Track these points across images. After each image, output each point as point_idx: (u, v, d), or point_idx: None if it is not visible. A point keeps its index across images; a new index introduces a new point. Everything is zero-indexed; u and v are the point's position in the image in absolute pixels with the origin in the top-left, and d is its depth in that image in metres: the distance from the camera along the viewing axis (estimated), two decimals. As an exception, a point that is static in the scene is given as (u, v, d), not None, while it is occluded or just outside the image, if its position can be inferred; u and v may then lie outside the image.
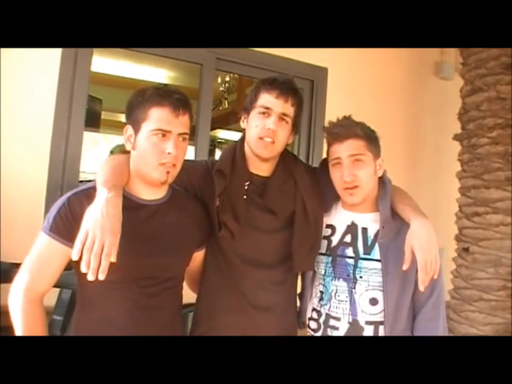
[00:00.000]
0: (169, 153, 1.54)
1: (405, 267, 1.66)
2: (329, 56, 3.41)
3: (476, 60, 3.22)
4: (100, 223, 1.38)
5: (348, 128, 1.81)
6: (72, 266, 1.57)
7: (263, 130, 1.75)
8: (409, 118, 3.91)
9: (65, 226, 1.51)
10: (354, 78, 3.66)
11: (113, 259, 1.36)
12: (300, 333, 1.95)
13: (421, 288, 1.65)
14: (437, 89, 4.02)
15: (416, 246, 1.65)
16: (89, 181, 1.66)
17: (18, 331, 1.51)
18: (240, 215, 1.76)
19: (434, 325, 1.78)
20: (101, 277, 1.34)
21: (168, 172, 1.57)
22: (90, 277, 1.33)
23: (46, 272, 1.55)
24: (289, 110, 1.78)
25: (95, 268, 1.34)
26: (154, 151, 1.54)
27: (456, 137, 3.36)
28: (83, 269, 1.34)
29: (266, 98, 1.77)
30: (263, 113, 1.76)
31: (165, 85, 1.54)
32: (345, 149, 1.79)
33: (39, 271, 1.54)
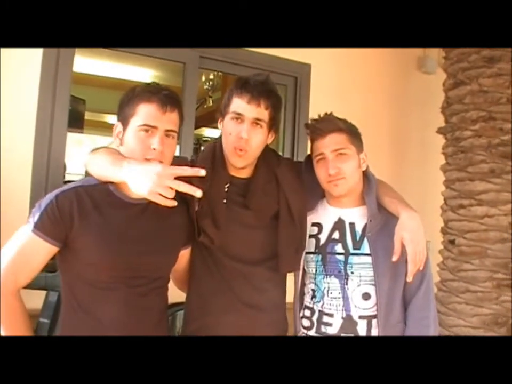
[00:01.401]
0: (154, 149, 1.54)
1: (394, 258, 1.67)
2: (312, 53, 3.40)
3: (458, 53, 3.24)
4: (150, 178, 1.42)
5: (330, 123, 1.83)
6: (57, 268, 1.56)
7: (237, 139, 1.72)
8: (393, 112, 3.92)
9: (52, 224, 1.50)
10: (338, 73, 3.66)
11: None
12: (291, 329, 1.96)
13: (409, 278, 1.67)
14: (420, 84, 4.03)
15: (407, 238, 1.66)
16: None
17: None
18: (219, 222, 1.73)
19: (425, 313, 1.79)
20: (199, 194, 1.44)
21: None
22: (199, 193, 1.43)
23: (27, 267, 1.53)
24: (263, 114, 1.73)
25: (191, 189, 1.43)
26: (139, 147, 1.54)
27: (440, 131, 3.38)
28: (198, 193, 1.43)
29: (238, 104, 1.72)
30: (236, 119, 1.73)
31: (157, 83, 1.54)
32: (328, 144, 1.80)
33: (19, 265, 1.52)
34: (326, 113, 1.88)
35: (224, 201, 1.77)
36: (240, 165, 1.76)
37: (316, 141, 1.84)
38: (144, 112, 1.55)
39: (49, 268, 1.60)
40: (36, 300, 1.98)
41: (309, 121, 1.89)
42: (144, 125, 1.54)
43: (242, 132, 1.70)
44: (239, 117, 1.72)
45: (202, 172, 1.43)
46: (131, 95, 1.59)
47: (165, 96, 1.56)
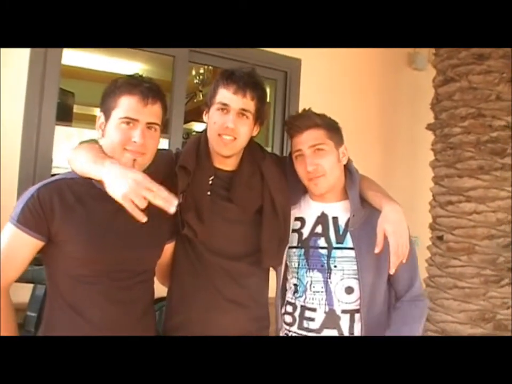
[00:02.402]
0: (134, 141, 1.54)
1: (376, 250, 1.68)
2: (303, 48, 3.39)
3: (448, 50, 3.26)
4: (128, 183, 1.41)
5: (307, 119, 1.83)
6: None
7: (222, 128, 1.72)
8: (383, 108, 3.93)
9: (34, 218, 1.49)
10: (328, 69, 3.66)
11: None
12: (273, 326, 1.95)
13: (391, 271, 1.67)
14: (410, 80, 4.04)
15: (389, 230, 1.67)
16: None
17: None
18: (203, 214, 1.73)
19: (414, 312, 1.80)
20: (175, 202, 1.44)
21: (134, 160, 1.56)
22: (172, 209, 1.43)
23: (13, 262, 1.53)
24: (249, 104, 1.74)
25: (166, 202, 1.42)
26: (120, 138, 1.54)
27: (429, 127, 3.40)
28: (169, 208, 1.42)
29: (224, 94, 1.73)
30: (222, 109, 1.73)
31: (140, 75, 1.55)
32: (305, 140, 1.81)
33: (6, 261, 1.51)
34: (304, 109, 1.89)
35: (209, 193, 1.77)
36: (226, 153, 1.76)
37: (293, 138, 1.85)
38: (126, 104, 1.55)
39: (36, 261, 1.59)
40: (23, 293, 1.96)
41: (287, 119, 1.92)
42: (126, 117, 1.54)
43: (228, 122, 1.71)
44: (225, 107, 1.72)
45: (172, 208, 1.43)
46: (113, 86, 1.59)
47: (146, 88, 1.56)
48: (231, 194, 1.78)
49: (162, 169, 1.78)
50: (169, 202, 1.42)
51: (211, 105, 1.77)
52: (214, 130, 1.74)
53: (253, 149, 1.87)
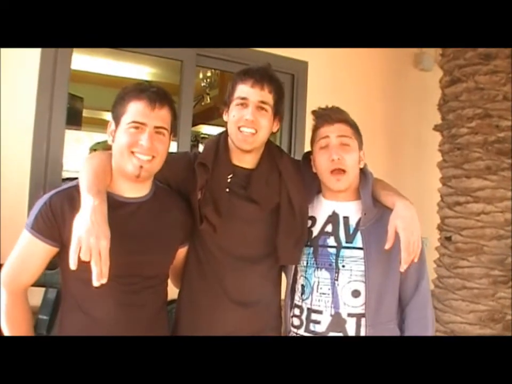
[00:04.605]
0: (142, 144, 1.55)
1: (387, 246, 1.67)
2: (309, 50, 3.40)
3: (454, 50, 3.26)
4: (92, 232, 1.40)
5: (339, 112, 1.85)
6: (56, 265, 1.57)
7: (241, 120, 1.74)
8: (390, 109, 3.93)
9: (46, 225, 1.53)
10: (334, 71, 3.66)
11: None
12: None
13: (402, 268, 1.66)
14: (417, 81, 4.05)
15: (400, 226, 1.66)
16: (73, 178, 1.66)
17: (2, 323, 1.54)
18: (221, 208, 1.74)
19: (423, 313, 1.79)
20: (104, 281, 1.39)
21: (141, 166, 1.57)
22: (96, 283, 1.38)
23: (28, 268, 1.58)
24: (267, 97, 1.76)
25: (99, 273, 1.38)
26: (128, 142, 1.56)
27: (437, 128, 3.40)
28: (95, 281, 1.38)
29: (242, 89, 1.75)
30: (241, 104, 1.75)
31: (148, 82, 1.58)
32: (334, 130, 1.81)
33: (21, 266, 1.57)
34: (333, 106, 1.89)
35: (227, 190, 1.79)
36: (246, 147, 1.77)
37: (321, 128, 1.84)
38: (134, 109, 1.57)
39: (49, 265, 1.62)
40: (35, 297, 1.99)
41: (316, 109, 1.90)
42: (133, 121, 1.56)
43: (247, 114, 1.73)
44: (243, 101, 1.74)
45: (96, 283, 1.39)
46: (122, 94, 1.61)
47: (153, 93, 1.58)
48: (249, 191, 1.79)
49: (177, 172, 1.81)
50: (99, 275, 1.39)
51: (230, 102, 1.79)
52: (234, 123, 1.76)
53: (271, 148, 1.89)
